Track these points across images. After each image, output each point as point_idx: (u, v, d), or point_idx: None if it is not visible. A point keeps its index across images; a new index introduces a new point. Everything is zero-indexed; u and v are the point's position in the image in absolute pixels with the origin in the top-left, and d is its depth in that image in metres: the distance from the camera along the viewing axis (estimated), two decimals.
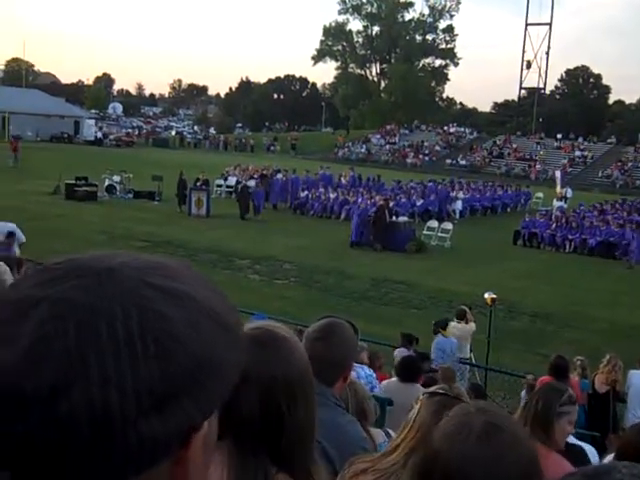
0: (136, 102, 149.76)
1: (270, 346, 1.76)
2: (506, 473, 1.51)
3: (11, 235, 13.91)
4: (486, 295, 14.17)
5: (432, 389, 2.73)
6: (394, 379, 8.03)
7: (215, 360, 0.77)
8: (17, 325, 0.72)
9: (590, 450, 5.59)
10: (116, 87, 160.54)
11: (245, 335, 1.78)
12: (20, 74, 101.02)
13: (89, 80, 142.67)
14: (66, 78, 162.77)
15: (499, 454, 1.52)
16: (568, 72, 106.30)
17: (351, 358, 2.86)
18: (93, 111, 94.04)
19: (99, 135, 76.50)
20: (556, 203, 37.96)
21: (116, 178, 35.76)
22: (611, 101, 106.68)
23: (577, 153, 69.44)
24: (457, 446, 1.54)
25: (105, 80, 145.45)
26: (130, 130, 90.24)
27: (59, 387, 0.68)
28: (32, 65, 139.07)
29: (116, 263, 0.78)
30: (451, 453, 1.54)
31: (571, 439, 5.38)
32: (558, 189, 41.03)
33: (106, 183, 35.18)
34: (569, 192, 42.29)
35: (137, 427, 0.70)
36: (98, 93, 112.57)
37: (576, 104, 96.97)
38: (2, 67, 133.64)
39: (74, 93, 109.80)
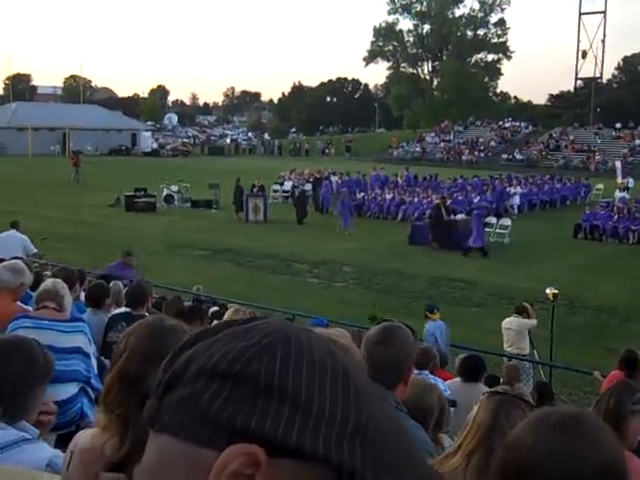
0: (191, 112, 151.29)
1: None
2: (589, 469, 1.47)
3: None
4: (547, 290, 13.97)
5: (492, 389, 2.71)
6: (457, 379, 7.98)
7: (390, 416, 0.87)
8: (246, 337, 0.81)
9: None
10: (171, 98, 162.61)
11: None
12: (78, 90, 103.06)
13: (144, 93, 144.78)
14: (122, 92, 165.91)
15: (582, 448, 1.48)
16: (625, 59, 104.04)
17: (410, 362, 2.86)
18: (149, 123, 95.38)
19: (155, 146, 77.60)
20: (618, 194, 37.24)
21: (174, 188, 36.22)
22: None
23: (637, 142, 67.92)
24: (538, 437, 1.52)
25: (160, 92, 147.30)
26: (186, 140, 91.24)
27: (271, 386, 0.76)
28: (89, 81, 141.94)
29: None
30: (532, 444, 1.52)
31: None
32: (619, 179, 40.34)
33: (164, 193, 35.67)
34: (631, 182, 41.49)
35: None
36: (153, 105, 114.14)
37: (635, 92, 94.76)
38: (61, 84, 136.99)
39: (130, 106, 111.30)
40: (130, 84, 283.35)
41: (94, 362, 5.61)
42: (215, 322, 7.50)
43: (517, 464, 1.53)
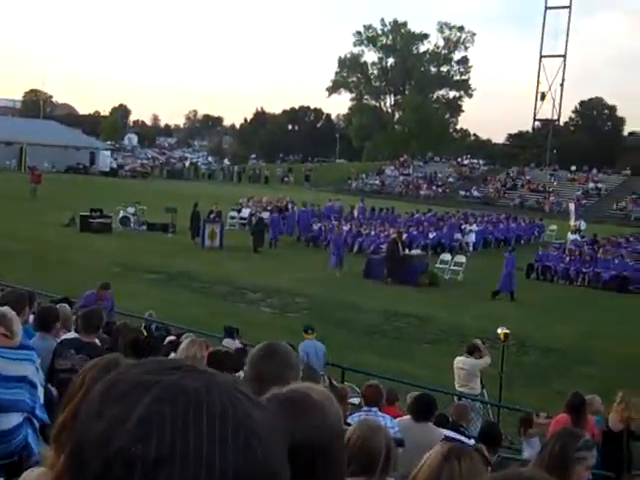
0: (151, 133, 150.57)
1: (300, 411, 1.71)
2: None
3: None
4: (499, 330, 14.10)
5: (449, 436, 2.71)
6: (407, 417, 7.96)
7: (282, 463, 0.90)
8: (134, 399, 0.85)
9: None
10: (132, 117, 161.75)
11: (280, 395, 1.80)
12: (38, 105, 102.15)
13: (105, 111, 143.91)
14: (83, 109, 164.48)
15: None
16: (582, 103, 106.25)
17: (294, 373, 2.92)
18: (109, 142, 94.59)
19: (114, 166, 77.00)
20: (570, 236, 37.85)
21: (130, 210, 35.94)
22: (626, 132, 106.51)
23: (591, 185, 69.21)
24: None
25: (121, 111, 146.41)
26: (145, 161, 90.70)
27: (162, 459, 0.80)
28: (50, 96, 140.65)
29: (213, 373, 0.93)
30: None
31: None
32: (572, 222, 40.93)
33: (120, 215, 35.38)
34: (583, 225, 42.16)
35: None
36: (114, 124, 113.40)
37: (590, 136, 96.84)
38: (20, 98, 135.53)
39: (91, 124, 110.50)
40: (91, 101, 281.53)
41: (40, 391, 5.50)
42: (172, 354, 7.43)
43: None
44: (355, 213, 41.11)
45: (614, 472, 8.76)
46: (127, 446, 0.81)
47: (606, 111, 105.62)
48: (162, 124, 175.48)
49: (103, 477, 0.81)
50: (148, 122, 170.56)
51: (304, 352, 12.16)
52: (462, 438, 7.64)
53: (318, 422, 1.71)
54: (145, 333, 9.54)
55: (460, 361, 12.63)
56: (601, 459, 9.80)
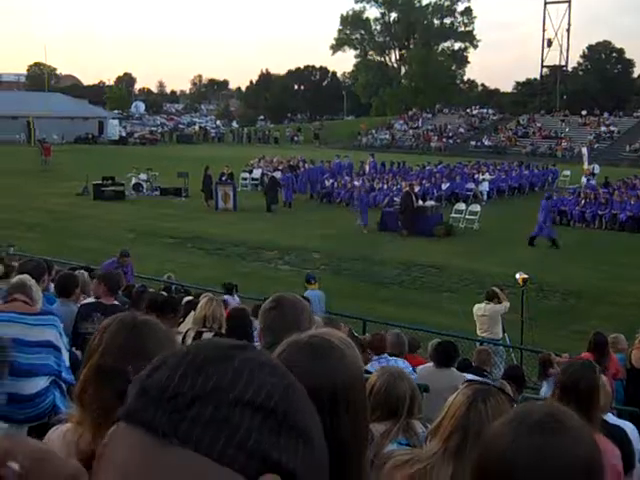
0: (158, 100, 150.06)
1: (321, 356, 1.72)
2: (568, 468, 1.45)
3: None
4: (517, 275, 14.11)
5: (472, 379, 2.69)
6: (429, 364, 7.99)
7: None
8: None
9: (630, 428, 5.55)
10: (137, 86, 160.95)
11: (300, 341, 1.79)
12: (42, 78, 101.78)
13: (110, 80, 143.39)
14: (88, 80, 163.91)
15: (561, 447, 1.46)
16: (590, 48, 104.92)
17: (304, 323, 2.92)
18: (116, 111, 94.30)
19: (123, 134, 76.91)
20: (584, 180, 37.63)
21: (142, 176, 35.96)
22: (635, 75, 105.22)
23: (603, 128, 68.66)
24: (516, 436, 1.50)
25: (126, 80, 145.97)
26: (154, 128, 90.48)
27: (197, 396, 0.84)
28: (54, 69, 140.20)
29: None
30: (509, 443, 1.50)
31: (611, 418, 5.34)
32: (585, 166, 40.67)
33: (133, 182, 35.42)
34: (596, 168, 41.86)
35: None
36: (120, 93, 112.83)
37: (599, 79, 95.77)
38: (24, 72, 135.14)
39: (96, 94, 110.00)
40: (96, 72, 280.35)
41: (66, 355, 5.54)
42: (191, 313, 7.46)
43: (494, 463, 1.51)
44: (367, 168, 40.91)
45: (639, 408, 8.77)
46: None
47: (614, 54, 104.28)
48: (168, 90, 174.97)
49: None
50: (154, 89, 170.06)
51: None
52: (486, 380, 7.67)
53: (338, 364, 1.71)
54: (165, 294, 9.61)
55: (480, 308, 12.64)
56: (625, 396, 9.86)
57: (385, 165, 42.51)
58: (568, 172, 44.02)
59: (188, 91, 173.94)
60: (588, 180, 37.62)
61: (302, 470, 0.85)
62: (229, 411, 0.82)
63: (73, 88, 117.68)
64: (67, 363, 5.49)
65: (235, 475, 0.80)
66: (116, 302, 7.50)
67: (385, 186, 33.61)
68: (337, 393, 1.65)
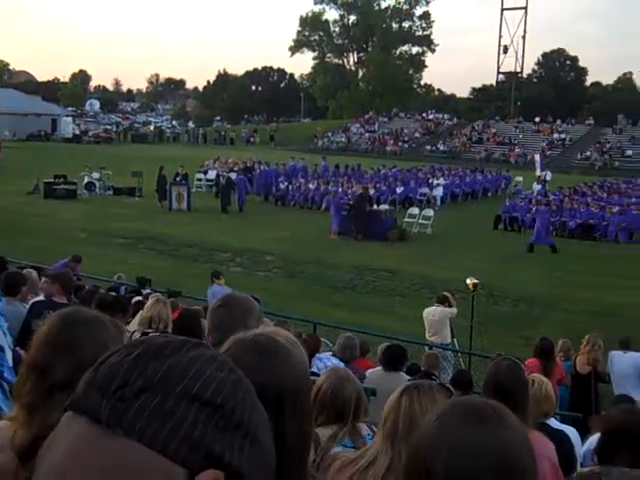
0: (114, 98, 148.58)
1: (266, 354, 1.72)
2: (490, 461, 1.45)
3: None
4: (468, 280, 14.22)
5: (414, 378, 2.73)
6: (379, 368, 8.04)
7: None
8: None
9: (572, 433, 5.65)
10: (93, 84, 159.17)
11: (245, 339, 1.80)
12: None
13: (65, 77, 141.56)
14: (42, 76, 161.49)
15: (485, 439, 1.46)
16: (545, 55, 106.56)
17: (253, 322, 2.94)
18: (70, 108, 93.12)
19: (77, 132, 75.97)
20: (536, 186, 38.16)
21: (95, 175, 35.56)
22: (588, 83, 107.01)
23: (555, 136, 69.74)
24: (443, 428, 1.50)
25: (81, 77, 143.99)
26: (108, 126, 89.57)
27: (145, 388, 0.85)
28: (7, 64, 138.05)
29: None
30: (437, 438, 1.51)
31: (554, 423, 5.43)
32: (538, 172, 41.24)
33: (85, 180, 34.99)
34: (548, 175, 42.46)
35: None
36: (74, 90, 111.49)
37: (553, 87, 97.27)
38: None
39: (50, 91, 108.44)
40: (50, 68, 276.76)
41: (9, 354, 5.46)
42: (139, 313, 7.43)
43: (423, 455, 1.52)
44: (318, 170, 41.03)
45: (582, 413, 8.93)
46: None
47: (568, 62, 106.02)
48: (124, 89, 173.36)
49: None
50: (110, 87, 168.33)
51: (212, 297, 11.96)
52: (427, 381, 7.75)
53: (284, 363, 1.71)
54: (114, 294, 9.54)
55: (430, 311, 12.72)
56: (570, 401, 10.04)
57: (339, 167, 42.67)
58: (520, 178, 44.57)
59: (145, 90, 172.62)
60: (541, 187, 38.16)
61: (247, 469, 0.85)
62: (175, 404, 0.82)
63: (27, 84, 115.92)
64: (10, 363, 5.41)
65: (177, 468, 0.80)
66: (65, 301, 7.42)
67: (340, 189, 33.68)
68: (283, 392, 1.66)
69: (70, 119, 79.03)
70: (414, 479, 1.52)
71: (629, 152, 63.61)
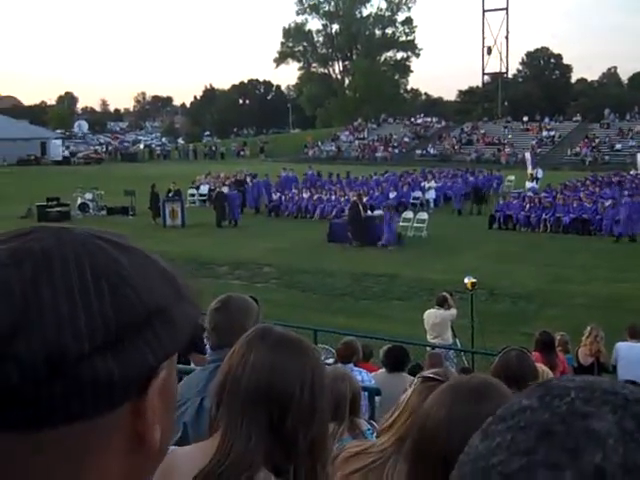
0: (101, 118, 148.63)
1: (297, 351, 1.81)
2: None
3: None
4: (466, 280, 14.23)
5: (425, 373, 2.71)
6: (382, 370, 8.06)
7: (165, 307, 0.79)
8: None
9: None
10: (80, 105, 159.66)
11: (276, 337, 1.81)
12: None
13: (52, 100, 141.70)
14: (29, 100, 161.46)
15: (489, 413, 1.48)
16: (529, 54, 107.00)
17: (251, 323, 2.95)
18: (58, 131, 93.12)
19: (66, 154, 75.91)
20: (528, 184, 38.27)
21: (88, 196, 35.55)
22: (574, 80, 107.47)
23: (544, 133, 69.96)
24: (451, 405, 1.53)
25: (68, 99, 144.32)
26: (98, 147, 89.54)
27: (18, 326, 0.70)
28: None
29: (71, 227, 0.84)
30: (440, 413, 1.53)
31: None
32: (529, 170, 41.39)
33: (78, 202, 34.98)
34: (540, 173, 42.59)
35: (92, 363, 0.71)
36: (62, 112, 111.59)
37: (539, 85, 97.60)
38: None
39: (37, 114, 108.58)
40: (36, 92, 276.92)
41: None
42: None
43: (431, 431, 1.54)
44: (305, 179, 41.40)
45: None
46: None
47: (553, 60, 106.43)
48: (111, 109, 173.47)
49: None
50: (97, 108, 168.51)
51: None
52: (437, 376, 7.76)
53: (311, 361, 1.79)
54: None
55: (431, 314, 12.74)
56: None
57: (332, 175, 42.78)
58: (512, 177, 44.71)
59: (132, 109, 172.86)
60: (533, 184, 38.27)
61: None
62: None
63: (13, 109, 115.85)
64: None
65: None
66: None
67: (333, 197, 33.76)
68: (304, 390, 1.72)
69: (59, 141, 78.97)
70: (429, 465, 1.54)
71: (618, 146, 63.83)
